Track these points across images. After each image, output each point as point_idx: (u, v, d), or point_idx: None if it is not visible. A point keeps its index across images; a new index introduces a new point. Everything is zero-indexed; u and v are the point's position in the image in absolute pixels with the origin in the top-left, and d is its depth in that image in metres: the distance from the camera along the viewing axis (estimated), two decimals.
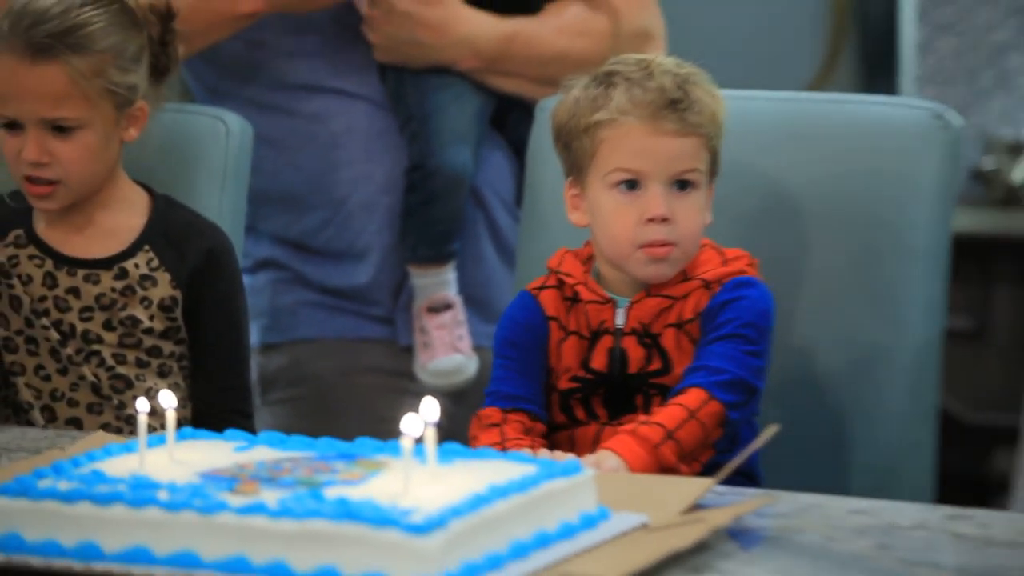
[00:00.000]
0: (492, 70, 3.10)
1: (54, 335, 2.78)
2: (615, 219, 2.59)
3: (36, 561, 2.09)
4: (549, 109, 2.74)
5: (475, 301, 3.16)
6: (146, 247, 2.79)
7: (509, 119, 3.18)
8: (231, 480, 2.16)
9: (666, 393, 2.58)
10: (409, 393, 3.11)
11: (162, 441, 2.25)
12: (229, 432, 2.35)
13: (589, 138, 2.60)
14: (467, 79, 3.10)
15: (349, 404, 3.15)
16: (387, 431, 2.77)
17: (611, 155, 2.59)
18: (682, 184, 2.59)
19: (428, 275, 3.11)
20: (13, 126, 2.74)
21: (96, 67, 2.73)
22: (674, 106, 2.59)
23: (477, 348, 3.16)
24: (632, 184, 2.59)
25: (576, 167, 2.63)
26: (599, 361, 2.61)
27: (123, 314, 2.78)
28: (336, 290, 3.18)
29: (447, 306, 3.11)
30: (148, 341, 2.78)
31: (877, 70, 6.73)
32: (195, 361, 2.80)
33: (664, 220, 2.57)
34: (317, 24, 3.05)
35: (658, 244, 2.57)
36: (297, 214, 3.15)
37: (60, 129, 2.73)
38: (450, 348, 3.09)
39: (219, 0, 2.98)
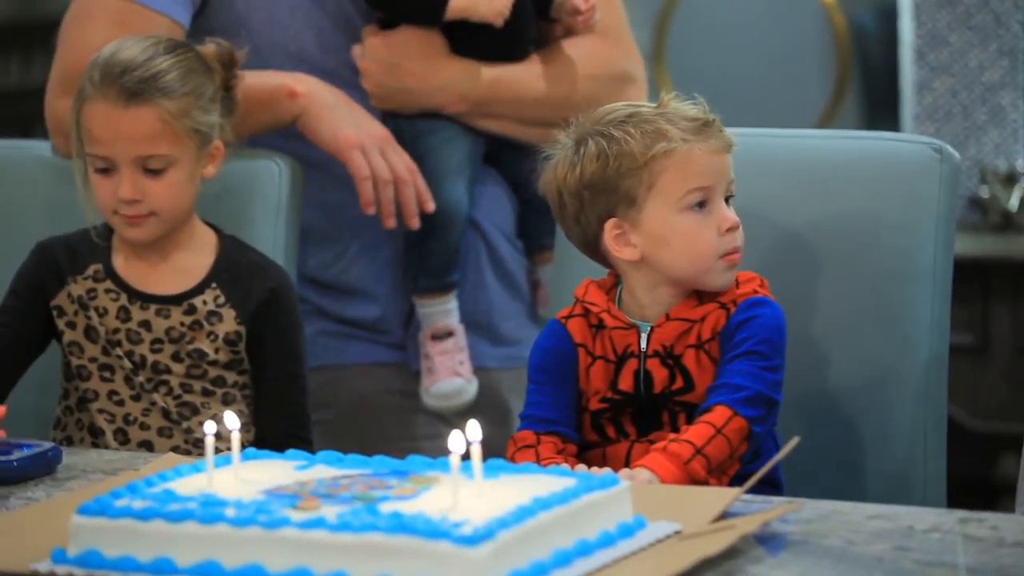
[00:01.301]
0: (479, 113, 3.10)
1: (127, 364, 2.79)
2: (696, 237, 2.60)
3: None
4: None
5: (479, 326, 3.16)
6: (213, 285, 2.80)
7: (503, 157, 3.17)
8: (293, 497, 2.17)
9: (690, 409, 2.59)
10: (421, 412, 3.14)
11: (228, 461, 2.27)
12: (290, 452, 2.37)
13: (647, 172, 2.60)
14: (457, 122, 3.10)
15: (368, 424, 3.15)
16: (403, 448, 2.78)
17: (678, 180, 2.60)
18: (728, 198, 2.64)
19: (431, 304, 3.11)
20: (106, 169, 2.76)
21: (182, 108, 2.75)
22: (711, 126, 2.62)
23: (482, 370, 3.16)
24: (703, 203, 2.61)
25: (623, 205, 2.63)
26: (626, 383, 2.62)
27: (190, 347, 2.79)
28: (352, 321, 3.18)
29: (449, 333, 3.11)
30: (213, 372, 2.79)
31: (879, 109, 6.73)
32: (258, 391, 2.81)
33: (737, 227, 2.61)
34: (330, 79, 3.05)
35: (734, 251, 2.61)
36: (315, 251, 3.17)
37: (151, 170, 2.75)
38: (451, 372, 3.09)
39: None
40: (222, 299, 2.81)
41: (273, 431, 2.73)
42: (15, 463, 2.53)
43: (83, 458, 2.62)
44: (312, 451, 2.67)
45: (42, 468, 2.55)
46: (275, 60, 3.04)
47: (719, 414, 2.53)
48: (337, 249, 3.14)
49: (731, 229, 2.60)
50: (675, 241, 2.61)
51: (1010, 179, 4.19)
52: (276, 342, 2.82)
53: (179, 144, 2.77)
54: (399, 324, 3.15)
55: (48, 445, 2.58)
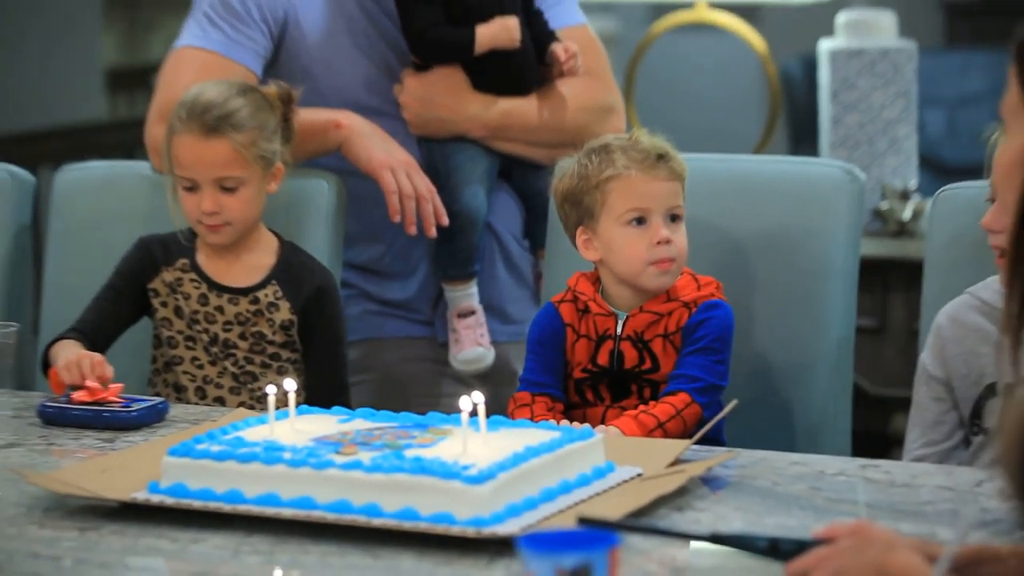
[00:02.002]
0: (495, 137, 3.06)
1: (205, 337, 2.79)
2: (631, 247, 2.58)
3: (196, 504, 2.11)
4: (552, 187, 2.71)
5: (492, 308, 3.12)
6: (273, 282, 2.79)
7: (513, 172, 3.13)
8: (336, 444, 2.18)
9: (653, 384, 2.59)
10: (445, 376, 3.11)
11: (285, 415, 2.27)
12: (335, 408, 2.37)
13: (599, 192, 2.60)
14: (478, 144, 3.06)
15: (401, 385, 3.11)
16: (428, 405, 2.73)
17: (623, 199, 2.58)
18: (673, 217, 2.60)
19: (457, 289, 3.07)
20: (191, 188, 2.75)
21: (251, 139, 2.74)
22: (662, 159, 2.60)
23: (495, 343, 3.11)
24: (640, 220, 2.59)
25: (587, 216, 2.62)
26: (603, 358, 2.61)
27: (253, 329, 2.78)
28: (390, 302, 3.15)
29: (471, 312, 3.07)
30: (271, 349, 2.79)
31: (802, 138, 6.73)
32: (307, 367, 2.81)
33: (668, 242, 2.58)
34: (375, 114, 3.04)
35: (666, 259, 2.58)
36: (361, 248, 3.15)
37: (226, 188, 2.74)
38: (474, 343, 3.05)
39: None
40: (280, 293, 2.80)
41: (320, 399, 2.70)
42: (135, 413, 2.55)
43: (172, 411, 2.63)
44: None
45: (154, 418, 2.57)
46: (331, 100, 3.03)
47: (680, 399, 2.53)
48: (382, 246, 3.13)
49: (661, 243, 2.58)
50: (617, 249, 2.60)
51: (904, 195, 4.18)
52: (322, 329, 2.81)
53: (248, 168, 2.76)
54: (428, 306, 3.14)
55: (158, 400, 2.60)
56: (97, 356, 2.62)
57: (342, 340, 2.85)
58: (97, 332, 2.78)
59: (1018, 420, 1.30)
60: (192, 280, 2.80)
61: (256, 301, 2.79)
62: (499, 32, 2.99)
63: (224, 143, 2.74)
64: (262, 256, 2.82)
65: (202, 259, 2.82)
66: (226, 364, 2.81)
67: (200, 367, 2.81)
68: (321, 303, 2.80)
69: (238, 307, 2.79)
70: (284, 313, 2.79)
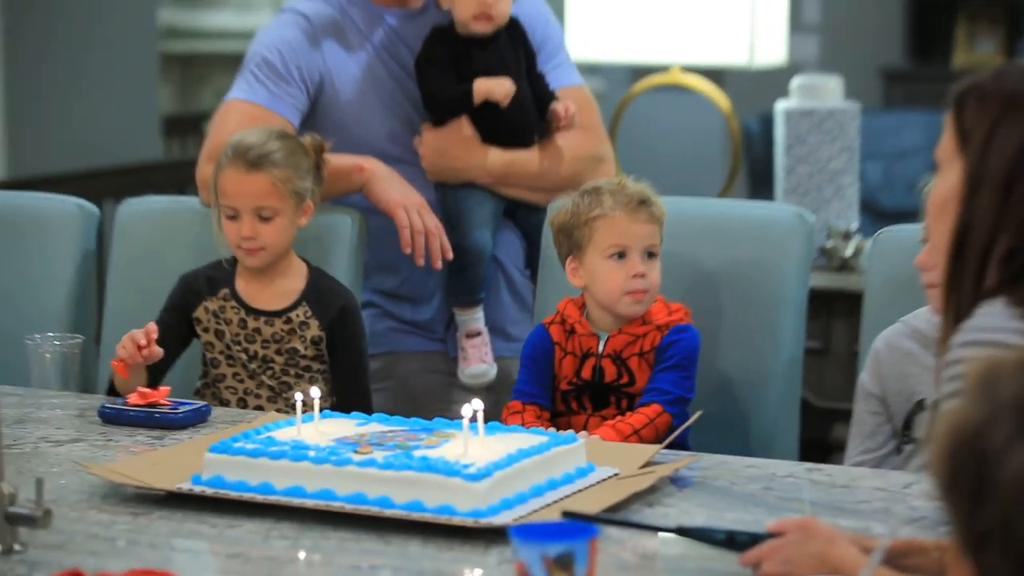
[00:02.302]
0: (500, 183, 3.03)
1: (244, 356, 2.77)
2: (609, 278, 2.57)
3: (232, 494, 2.11)
4: (549, 219, 2.74)
5: (496, 329, 3.10)
6: (304, 303, 2.77)
7: (518, 213, 3.10)
8: (354, 444, 2.17)
9: (630, 397, 2.57)
10: (455, 386, 3.08)
11: (311, 419, 2.27)
12: (353, 413, 2.36)
13: (587, 228, 2.60)
14: (486, 189, 3.04)
15: (417, 392, 3.09)
16: (438, 409, 2.78)
17: (606, 237, 2.58)
18: (650, 254, 2.60)
19: (465, 313, 3.05)
20: (233, 216, 2.75)
21: (286, 176, 2.74)
22: (644, 204, 2.60)
23: (498, 358, 3.09)
24: (621, 255, 2.59)
25: (576, 248, 2.62)
26: (586, 373, 2.59)
27: (287, 346, 2.76)
28: (410, 322, 3.13)
29: (478, 333, 3.05)
30: (303, 363, 2.77)
31: (760, 185, 6.74)
32: (334, 377, 2.79)
33: (643, 276, 2.57)
34: (398, 162, 3.05)
35: (639, 291, 2.57)
36: (386, 276, 3.15)
37: (263, 217, 2.74)
38: (479, 360, 3.04)
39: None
40: (309, 313, 2.78)
41: (345, 403, 2.69)
42: (181, 415, 2.55)
43: (213, 413, 2.62)
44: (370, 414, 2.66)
45: (197, 419, 2.56)
46: (360, 149, 3.02)
47: (653, 410, 2.52)
48: (404, 275, 3.12)
49: (636, 276, 2.57)
50: (598, 278, 2.60)
51: (847, 236, 4.17)
52: (346, 343, 2.79)
53: (283, 200, 2.75)
54: (442, 326, 3.12)
55: (201, 404, 2.59)
56: (143, 329, 2.63)
57: (364, 352, 2.83)
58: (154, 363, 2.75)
59: (945, 430, 1.30)
60: (232, 307, 2.79)
61: (289, 321, 2.77)
62: (494, 86, 2.98)
63: (263, 177, 2.73)
64: (293, 281, 2.80)
65: (241, 286, 2.80)
66: (263, 378, 2.78)
67: (240, 381, 2.79)
68: (345, 321, 2.78)
69: (274, 327, 2.77)
70: (314, 330, 2.77)
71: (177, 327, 2.80)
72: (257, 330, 2.77)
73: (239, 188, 2.74)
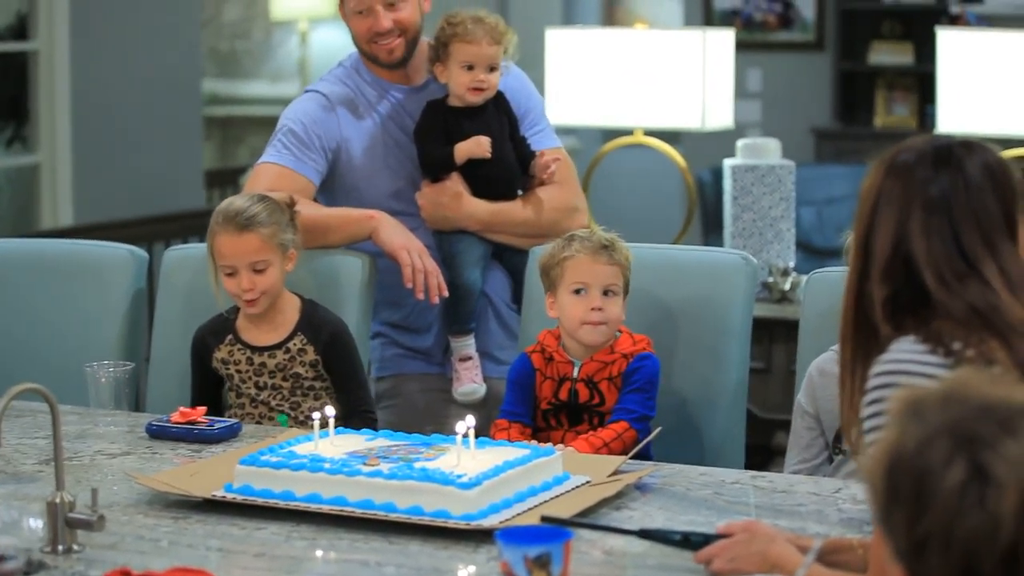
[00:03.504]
0: (488, 230, 3.00)
1: (254, 389, 2.74)
2: (571, 311, 2.56)
3: (259, 501, 2.10)
4: (536, 257, 2.74)
5: (487, 354, 3.06)
6: (299, 333, 2.73)
7: (504, 255, 3.06)
8: (363, 457, 2.16)
9: (601, 415, 2.54)
10: (452, 403, 3.03)
11: (326, 435, 2.25)
12: (363, 430, 2.34)
13: (559, 267, 2.59)
14: (475, 236, 3.01)
15: (420, 409, 3.06)
16: (440, 424, 2.76)
17: (571, 275, 2.57)
18: (608, 291, 2.57)
19: (459, 341, 3.02)
20: (231, 273, 2.70)
21: (272, 233, 2.69)
22: (605, 250, 2.58)
23: (488, 378, 3.05)
24: (580, 291, 2.57)
25: (551, 286, 2.61)
26: (563, 395, 2.56)
27: (291, 372, 2.72)
28: (413, 349, 3.11)
29: (469, 357, 3.01)
30: (307, 383, 2.73)
31: (711, 229, 6.74)
32: (337, 393, 2.74)
33: (600, 309, 2.55)
34: (401, 214, 3.03)
35: (595, 321, 2.54)
36: (393, 310, 3.13)
37: (257, 270, 2.69)
38: (470, 380, 3.00)
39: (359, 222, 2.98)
40: (305, 340, 2.74)
41: (348, 411, 2.67)
42: (216, 431, 2.52)
43: (244, 430, 2.60)
44: (373, 417, 2.63)
45: (230, 434, 2.54)
46: (370, 205, 3.00)
47: (621, 426, 2.50)
48: (407, 309, 3.09)
49: (593, 309, 2.55)
50: (564, 311, 2.58)
51: (785, 272, 4.16)
52: (341, 363, 2.75)
53: (272, 253, 2.71)
54: (441, 352, 3.10)
55: (234, 421, 2.57)
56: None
57: (359, 368, 2.77)
58: (203, 402, 2.72)
59: (882, 454, 1.28)
60: (239, 349, 2.75)
61: (288, 351, 2.73)
62: (473, 147, 2.97)
63: (254, 236, 2.69)
64: (288, 315, 2.75)
65: (242, 328, 2.76)
66: (272, 404, 2.74)
67: (255, 407, 2.75)
68: (336, 344, 2.74)
69: (276, 359, 2.73)
70: (311, 355, 2.73)
71: (204, 376, 2.78)
72: (263, 364, 2.73)
73: (234, 248, 2.69)
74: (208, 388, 2.77)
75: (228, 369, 2.75)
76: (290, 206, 2.79)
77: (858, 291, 1.86)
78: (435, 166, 3.01)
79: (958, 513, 1.21)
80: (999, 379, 1.31)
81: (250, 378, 2.74)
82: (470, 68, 2.96)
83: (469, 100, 2.98)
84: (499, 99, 3.03)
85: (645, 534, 1.92)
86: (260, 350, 2.74)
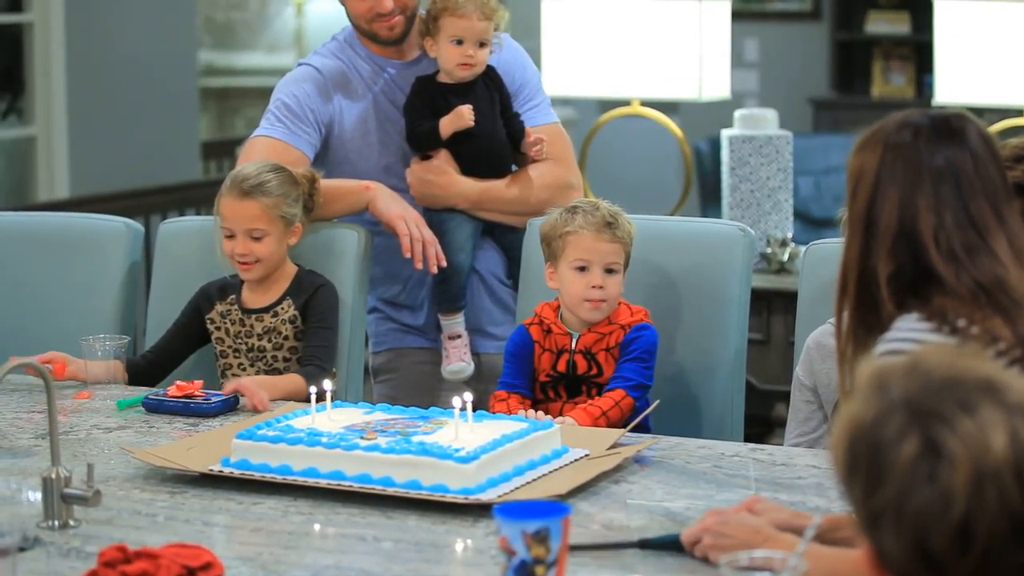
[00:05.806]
0: (477, 208, 2.98)
1: (244, 347, 2.75)
2: (572, 287, 2.55)
3: (256, 475, 2.08)
4: (536, 226, 2.72)
5: (479, 330, 3.06)
6: (288, 297, 2.75)
7: (496, 231, 3.04)
8: (361, 431, 2.15)
9: (599, 386, 2.53)
10: (445, 379, 3.07)
11: (323, 408, 2.24)
12: (360, 403, 2.32)
13: (561, 240, 2.57)
14: (465, 213, 2.99)
15: (415, 382, 3.07)
16: (434, 396, 2.76)
17: (574, 251, 2.55)
18: (609, 270, 2.56)
19: (448, 318, 3.00)
20: (230, 235, 2.72)
21: (274, 204, 2.71)
22: (609, 227, 2.56)
23: (484, 354, 3.05)
24: (583, 268, 2.56)
25: (552, 256, 2.59)
26: (561, 366, 2.56)
27: (276, 335, 2.73)
28: (407, 324, 3.09)
29: (458, 335, 3.00)
30: (287, 344, 2.73)
31: (709, 200, 6.71)
32: (305, 338, 2.73)
33: (600, 287, 2.54)
34: (392, 188, 3.01)
35: (596, 300, 2.54)
36: (388, 286, 3.11)
37: (254, 237, 2.71)
38: (458, 359, 2.98)
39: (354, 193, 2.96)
40: (291, 303, 2.75)
41: (305, 356, 2.70)
42: (213, 405, 2.50)
43: (240, 403, 2.56)
44: (324, 371, 2.62)
45: (227, 408, 2.52)
46: (363, 176, 2.98)
47: (618, 394, 2.49)
48: (400, 285, 3.08)
49: (594, 287, 2.54)
50: (564, 286, 2.57)
51: (783, 243, 4.14)
52: (313, 312, 2.74)
53: (271, 223, 2.72)
54: (434, 328, 3.08)
55: (231, 395, 2.54)
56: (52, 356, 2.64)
57: (328, 324, 2.75)
58: (162, 355, 2.79)
59: (843, 426, 1.28)
60: (236, 310, 2.77)
61: (276, 315, 2.74)
62: (455, 119, 2.94)
63: (254, 203, 2.71)
64: (283, 283, 2.77)
65: (244, 294, 2.79)
66: (259, 365, 2.75)
67: (243, 368, 2.76)
68: (317, 297, 2.74)
69: (263, 322, 2.74)
70: (291, 311, 2.74)
71: (191, 329, 2.79)
72: (251, 325, 2.75)
73: (234, 212, 2.72)
74: (185, 338, 2.78)
75: (219, 330, 2.76)
76: (310, 181, 2.80)
77: (860, 269, 1.83)
78: (421, 141, 2.98)
79: (910, 488, 1.21)
80: (966, 354, 1.30)
81: (240, 337, 2.75)
82: (459, 43, 2.93)
83: (458, 76, 2.95)
84: (490, 75, 3.00)
85: (645, 544, 1.87)
86: (252, 312, 2.76)
